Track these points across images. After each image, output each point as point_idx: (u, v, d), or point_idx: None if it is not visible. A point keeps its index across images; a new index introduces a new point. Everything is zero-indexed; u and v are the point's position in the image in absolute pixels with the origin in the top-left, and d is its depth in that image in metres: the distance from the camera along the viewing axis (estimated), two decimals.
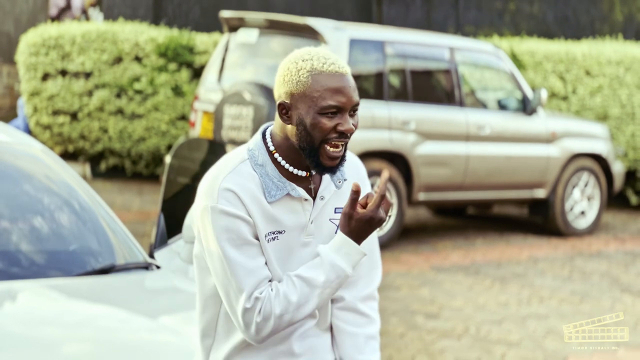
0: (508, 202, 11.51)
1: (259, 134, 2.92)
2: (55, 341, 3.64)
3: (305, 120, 2.80)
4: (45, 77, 13.05)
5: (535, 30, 15.08)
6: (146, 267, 4.33)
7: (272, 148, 2.88)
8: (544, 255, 10.18)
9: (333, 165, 2.84)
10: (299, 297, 2.82)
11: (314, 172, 2.91)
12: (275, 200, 2.85)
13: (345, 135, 2.82)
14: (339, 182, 2.95)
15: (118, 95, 12.94)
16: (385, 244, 10.01)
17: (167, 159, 4.52)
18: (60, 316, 3.88)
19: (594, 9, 15.21)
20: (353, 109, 2.84)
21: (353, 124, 2.83)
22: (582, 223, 11.26)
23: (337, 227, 2.94)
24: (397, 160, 10.15)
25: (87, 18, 15.36)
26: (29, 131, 13.21)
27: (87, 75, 12.96)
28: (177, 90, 12.85)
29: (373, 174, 9.92)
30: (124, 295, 4.18)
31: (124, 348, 3.70)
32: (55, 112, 13.04)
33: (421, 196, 10.27)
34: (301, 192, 2.88)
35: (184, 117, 12.87)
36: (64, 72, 13.00)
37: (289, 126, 2.84)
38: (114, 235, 4.45)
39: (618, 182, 11.60)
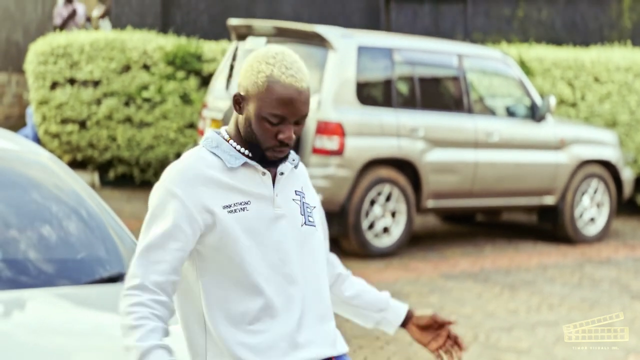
0: (517, 209, 11.49)
1: (209, 131, 3.08)
2: (67, 350, 3.63)
3: (252, 119, 2.96)
4: (54, 85, 13.08)
5: (543, 36, 15.06)
6: None
7: (226, 137, 3.03)
8: (554, 262, 10.16)
9: (277, 160, 3.00)
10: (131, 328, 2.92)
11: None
12: (235, 168, 2.97)
13: (285, 144, 2.95)
14: (294, 160, 3.09)
15: (126, 104, 12.95)
16: (394, 252, 9.99)
17: None
18: (70, 325, 3.87)
19: (602, 15, 15.19)
20: (299, 121, 2.97)
21: (295, 132, 2.97)
22: (592, 230, 11.23)
23: (301, 208, 3.06)
24: (406, 167, 10.13)
25: (95, 27, 15.37)
26: (37, 140, 13.24)
27: (96, 83, 12.98)
28: (186, 98, 12.86)
29: (381, 181, 9.91)
30: None
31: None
32: (64, 121, 13.06)
33: (430, 203, 10.25)
34: (256, 163, 3.00)
35: (192, 125, 12.88)
36: (72, 81, 13.02)
37: (240, 117, 3.00)
38: (122, 243, 4.45)
39: (627, 189, 11.57)
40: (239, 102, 2.98)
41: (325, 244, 3.22)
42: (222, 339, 2.94)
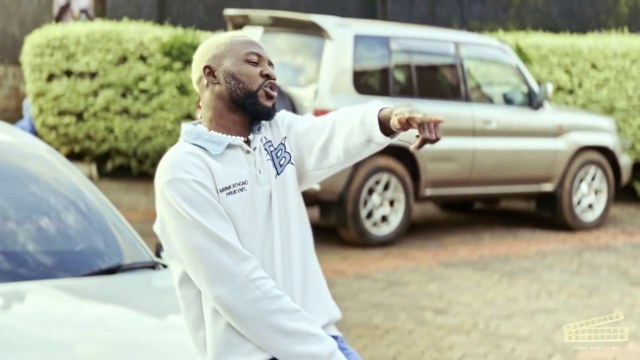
0: (515, 197, 11.49)
1: (185, 125, 3.12)
2: (68, 342, 3.63)
3: (233, 70, 3.05)
4: (51, 77, 13.06)
5: (540, 24, 15.05)
6: (153, 266, 4.32)
7: (204, 128, 3.07)
8: (552, 249, 10.16)
9: (270, 106, 3.06)
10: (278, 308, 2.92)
11: (251, 138, 3.08)
12: (220, 153, 3.00)
13: (271, 79, 3.06)
14: (258, 128, 3.12)
15: (123, 95, 12.94)
16: (392, 240, 9.99)
17: None
18: (71, 317, 3.88)
19: (599, 2, 15.18)
20: (270, 64, 3.11)
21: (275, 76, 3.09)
22: (590, 216, 11.23)
23: (274, 163, 3.09)
24: (404, 156, 10.13)
25: (89, 17, 15.31)
26: (35, 132, 13.22)
27: (92, 75, 12.96)
28: (183, 89, 12.85)
29: (379, 170, 9.91)
30: (131, 295, 4.17)
31: (136, 348, 3.70)
32: (61, 113, 13.04)
33: (428, 192, 10.25)
34: (239, 140, 3.04)
35: (189, 116, 12.86)
36: (69, 73, 13.00)
37: (217, 86, 3.06)
38: (120, 234, 4.45)
39: (625, 175, 11.57)
40: (209, 73, 3.08)
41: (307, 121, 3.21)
42: (216, 325, 2.98)
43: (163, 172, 2.97)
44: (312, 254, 3.14)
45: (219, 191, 2.96)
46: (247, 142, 3.08)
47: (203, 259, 2.91)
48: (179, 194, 2.92)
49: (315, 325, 2.96)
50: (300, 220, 3.12)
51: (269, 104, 3.05)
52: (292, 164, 3.13)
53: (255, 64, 3.07)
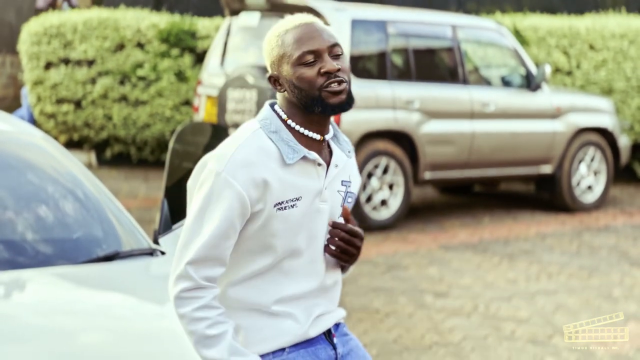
0: (514, 179, 11.49)
1: (267, 107, 2.97)
2: (71, 330, 3.64)
3: (292, 79, 2.87)
4: (48, 65, 13.04)
5: (537, 5, 15.02)
6: (151, 253, 4.32)
7: (284, 116, 2.94)
8: (552, 231, 10.16)
9: (342, 101, 2.89)
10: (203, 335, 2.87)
11: (327, 138, 2.97)
12: (294, 163, 2.88)
13: (334, 75, 2.86)
14: (349, 152, 3.03)
15: (121, 82, 12.93)
16: (392, 224, 10.00)
17: (171, 144, 4.50)
18: (71, 305, 3.88)
19: None
20: (333, 52, 2.90)
21: (339, 65, 2.88)
22: (589, 198, 11.23)
23: (343, 198, 3.01)
24: (402, 139, 10.12)
25: (72, 6, 15.21)
26: (33, 121, 13.21)
27: (90, 62, 12.94)
28: (181, 76, 12.83)
29: (378, 153, 9.90)
30: (130, 282, 4.17)
31: (138, 336, 3.71)
32: (59, 101, 13.03)
33: (427, 175, 10.25)
34: (316, 156, 2.92)
35: (187, 103, 12.85)
36: (66, 61, 12.99)
37: (285, 93, 2.91)
38: (117, 222, 4.45)
39: (624, 156, 11.57)
40: (275, 81, 2.92)
41: None
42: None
43: (221, 156, 2.87)
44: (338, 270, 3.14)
45: (272, 205, 2.88)
46: (323, 140, 2.96)
47: (185, 240, 2.90)
48: (216, 192, 2.85)
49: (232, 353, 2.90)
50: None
51: (337, 100, 2.88)
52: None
53: (312, 63, 2.87)
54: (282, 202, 2.88)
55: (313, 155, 2.91)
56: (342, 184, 3.01)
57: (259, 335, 2.97)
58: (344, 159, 3.01)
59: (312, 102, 2.87)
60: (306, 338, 3.01)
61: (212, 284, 2.89)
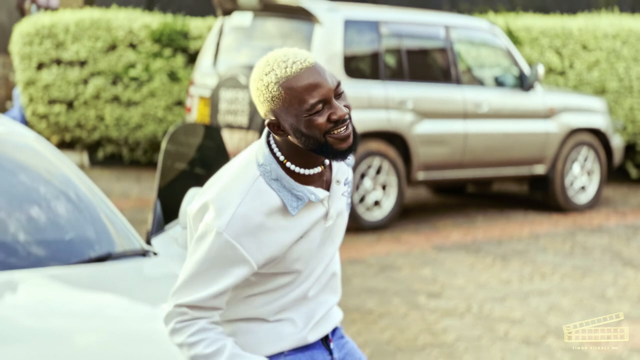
0: (508, 179, 11.49)
1: (265, 149, 2.85)
2: (65, 332, 3.63)
3: (299, 127, 2.74)
4: (40, 66, 13.01)
5: (530, 5, 15.03)
6: (143, 254, 4.31)
7: (282, 158, 2.83)
8: (545, 231, 10.16)
9: (348, 146, 2.79)
10: None
11: (327, 162, 2.89)
12: (299, 210, 2.82)
13: (339, 121, 2.76)
14: (348, 164, 2.98)
15: (113, 83, 12.90)
16: (385, 225, 9.98)
17: (163, 144, 4.48)
18: (65, 306, 3.87)
19: None
20: (337, 92, 2.77)
21: (345, 105, 2.77)
22: (583, 198, 11.23)
23: (347, 201, 2.98)
24: (395, 140, 10.11)
25: (44, 8, 15.13)
26: (25, 121, 13.18)
27: (82, 63, 12.91)
28: (173, 76, 12.81)
29: (371, 154, 9.89)
30: (123, 283, 4.16)
31: (132, 337, 3.70)
32: (51, 102, 13.00)
33: (420, 175, 10.24)
34: (320, 194, 2.85)
35: (180, 103, 12.83)
36: (58, 61, 12.96)
37: (288, 137, 2.80)
38: (110, 223, 4.43)
39: (617, 156, 11.57)
40: (275, 127, 2.79)
41: None
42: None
43: (222, 210, 2.77)
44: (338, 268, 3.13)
45: (281, 251, 2.85)
46: (324, 168, 2.88)
47: (184, 284, 2.86)
48: (219, 252, 2.78)
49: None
50: (337, 254, 3.11)
51: (345, 146, 2.77)
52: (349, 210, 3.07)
53: (322, 110, 2.74)
54: (290, 244, 2.85)
55: (317, 197, 2.84)
56: (344, 185, 2.96)
57: (257, 339, 2.96)
58: (344, 169, 2.96)
59: (319, 148, 2.77)
60: (305, 343, 3.00)
61: (207, 315, 2.86)
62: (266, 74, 2.75)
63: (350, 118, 2.80)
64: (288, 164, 2.82)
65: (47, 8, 15.01)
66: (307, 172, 2.84)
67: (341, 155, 2.79)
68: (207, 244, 2.78)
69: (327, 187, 2.91)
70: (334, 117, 2.74)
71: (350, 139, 2.78)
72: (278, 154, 2.83)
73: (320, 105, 2.73)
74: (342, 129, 2.76)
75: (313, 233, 2.89)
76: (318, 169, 2.85)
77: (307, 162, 2.83)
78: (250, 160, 2.85)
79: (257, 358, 2.87)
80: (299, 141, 2.77)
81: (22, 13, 15.11)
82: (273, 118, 2.77)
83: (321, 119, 2.73)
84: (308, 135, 2.74)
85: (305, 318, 2.99)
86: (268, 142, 2.86)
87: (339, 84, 2.77)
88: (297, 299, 2.97)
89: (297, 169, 2.82)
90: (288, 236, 2.83)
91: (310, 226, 2.87)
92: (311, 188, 2.84)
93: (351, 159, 2.99)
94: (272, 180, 2.80)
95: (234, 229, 2.75)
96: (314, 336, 3.01)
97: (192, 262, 2.82)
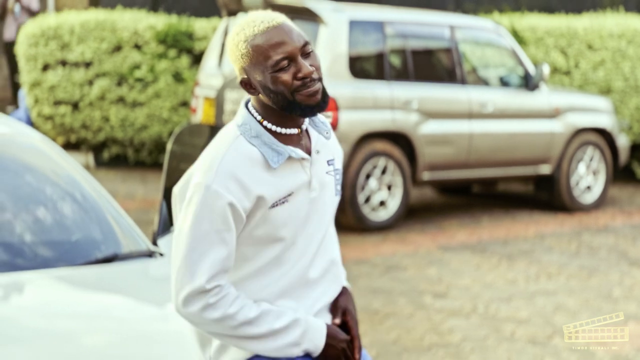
0: (513, 179, 11.48)
1: (243, 109, 2.97)
2: (72, 333, 3.64)
3: (267, 84, 2.86)
4: (46, 67, 13.02)
5: (535, 5, 15.01)
6: (149, 254, 4.31)
7: (259, 118, 2.94)
8: (551, 231, 10.15)
9: (317, 101, 2.89)
10: (251, 319, 2.89)
11: (304, 128, 2.98)
12: (280, 165, 2.89)
13: (306, 78, 2.86)
14: (327, 132, 3.04)
15: (119, 84, 12.91)
16: (391, 225, 9.98)
17: (169, 145, 4.49)
18: (72, 307, 3.88)
19: None
20: (305, 51, 2.88)
21: (312, 65, 2.88)
22: (588, 198, 11.22)
23: (335, 179, 3.04)
24: (401, 140, 10.11)
25: (26, 10, 15.02)
26: (30, 122, 13.19)
27: (87, 64, 12.92)
28: (178, 77, 12.81)
29: (376, 154, 9.89)
30: (130, 284, 4.16)
31: (139, 338, 3.71)
32: (57, 103, 13.01)
33: (426, 175, 10.23)
34: (300, 152, 2.94)
35: (185, 104, 12.84)
36: (64, 62, 12.96)
37: (260, 96, 2.91)
38: (116, 223, 4.43)
39: (623, 156, 11.55)
40: (247, 85, 2.91)
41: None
42: None
43: (207, 168, 2.86)
44: (337, 248, 3.15)
45: (267, 206, 2.89)
46: (300, 132, 2.97)
47: (183, 261, 2.87)
48: (208, 205, 2.83)
49: (282, 316, 2.92)
50: (333, 238, 3.13)
51: (313, 101, 2.88)
52: (340, 193, 3.11)
53: (287, 67, 2.86)
54: (276, 202, 2.90)
55: (297, 153, 2.93)
56: (328, 164, 3.04)
57: None
58: (323, 141, 3.03)
59: (288, 105, 2.87)
60: None
61: (223, 281, 2.90)
62: (237, 34, 2.89)
63: (320, 78, 2.90)
64: (265, 123, 2.93)
65: (29, 11, 14.92)
66: (284, 130, 2.93)
67: (310, 110, 2.89)
68: (197, 202, 2.84)
69: (308, 154, 2.99)
70: (300, 74, 2.85)
71: (319, 96, 2.88)
72: (255, 114, 2.94)
73: (285, 62, 2.84)
74: (310, 87, 2.86)
75: (297, 199, 2.94)
76: (295, 130, 2.95)
77: (283, 122, 2.93)
78: (230, 125, 2.98)
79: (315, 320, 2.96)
80: (269, 99, 2.89)
81: (3, 12, 15.05)
82: (245, 76, 2.90)
83: (286, 76, 2.84)
84: (276, 92, 2.86)
85: (308, 308, 3.01)
86: (246, 104, 2.98)
87: (306, 43, 2.88)
88: (296, 282, 2.99)
89: (273, 127, 2.92)
90: (272, 191, 2.89)
91: (294, 189, 2.93)
92: (290, 147, 2.93)
93: (330, 132, 3.06)
94: (252, 137, 2.90)
95: (219, 180, 2.83)
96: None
97: (187, 232, 2.86)
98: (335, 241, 3.14)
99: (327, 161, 3.03)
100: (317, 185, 2.98)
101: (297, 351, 2.93)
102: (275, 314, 2.92)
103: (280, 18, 2.89)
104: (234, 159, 2.86)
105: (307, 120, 3.01)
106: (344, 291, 3.12)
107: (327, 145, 3.05)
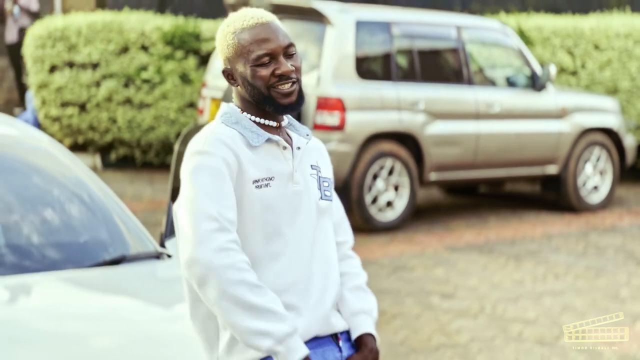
0: (520, 180, 11.47)
1: (224, 105, 3.09)
2: (81, 335, 3.64)
3: (246, 76, 2.99)
4: (53, 69, 13.04)
5: (542, 5, 15.00)
6: (157, 256, 4.31)
7: (239, 109, 3.06)
8: (558, 231, 10.15)
9: (291, 102, 3.01)
10: (247, 289, 2.86)
11: (283, 124, 3.09)
12: (259, 145, 2.99)
13: (286, 77, 2.98)
14: (307, 134, 3.13)
15: (126, 85, 12.92)
16: (398, 225, 9.98)
17: (176, 146, 4.49)
18: (80, 309, 3.88)
19: None
20: (288, 52, 3.01)
21: (293, 65, 3.00)
22: (595, 198, 11.21)
23: (318, 183, 3.10)
24: (407, 140, 10.11)
25: (25, 12, 15.01)
26: (38, 124, 13.21)
27: (94, 66, 12.94)
28: (185, 78, 12.83)
29: (383, 155, 9.89)
30: (137, 285, 4.17)
31: (147, 339, 3.71)
32: (64, 104, 13.03)
33: (433, 176, 10.23)
34: (279, 137, 3.04)
35: (192, 105, 12.85)
36: (71, 64, 12.98)
37: (239, 87, 3.03)
38: (124, 225, 4.44)
39: (630, 156, 11.54)
40: (229, 75, 3.04)
41: (339, 210, 3.26)
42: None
43: (194, 144, 2.97)
44: (335, 264, 3.14)
45: (250, 181, 2.95)
46: (279, 127, 3.07)
47: (190, 220, 2.89)
48: (204, 163, 2.91)
49: (279, 305, 2.90)
50: (331, 231, 3.14)
51: (287, 101, 3.00)
52: (330, 200, 3.14)
53: (268, 63, 2.98)
54: (258, 180, 2.96)
55: (277, 137, 3.03)
56: (312, 168, 3.10)
57: None
58: (304, 142, 3.10)
59: (263, 100, 3.00)
60: (309, 336, 3.02)
61: (233, 241, 2.89)
62: (227, 26, 3.03)
63: (298, 80, 3.01)
64: (244, 114, 3.05)
65: (28, 12, 14.93)
66: (263, 121, 3.04)
67: (282, 109, 3.01)
68: (193, 164, 2.93)
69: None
70: (278, 71, 2.98)
71: (294, 97, 3.01)
72: (238, 104, 3.08)
73: (266, 58, 2.97)
74: (286, 85, 2.99)
75: (280, 185, 2.99)
76: (273, 123, 3.06)
77: (262, 114, 3.05)
78: (210, 122, 3.11)
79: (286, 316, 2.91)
80: (246, 91, 3.02)
81: (2, 15, 15.07)
82: (228, 67, 3.03)
83: (265, 72, 2.98)
84: (253, 86, 2.99)
85: (309, 306, 3.01)
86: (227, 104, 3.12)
87: (290, 45, 3.01)
88: (293, 279, 2.99)
89: (253, 117, 3.05)
90: (253, 167, 2.96)
91: (275, 174, 2.99)
92: (270, 133, 3.04)
93: (309, 134, 3.14)
94: (232, 123, 3.02)
95: (210, 144, 2.94)
96: (317, 327, 3.03)
97: (189, 189, 2.91)
98: (334, 249, 3.14)
99: (311, 165, 3.11)
100: (300, 179, 3.04)
101: (267, 344, 2.86)
102: (274, 297, 2.90)
103: (269, 17, 3.02)
104: (221, 134, 2.98)
105: (286, 119, 3.11)
106: (365, 341, 3.14)
107: (311, 150, 3.14)
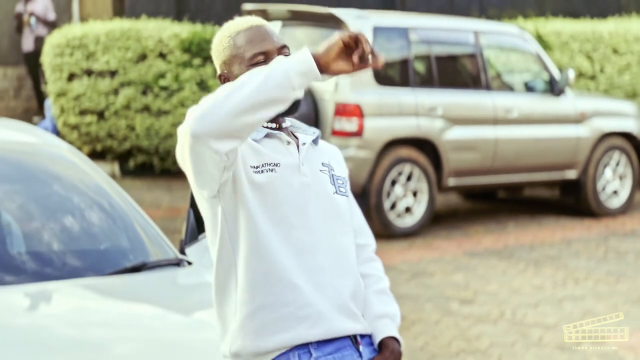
0: (539, 185, 11.44)
1: None
2: (102, 341, 3.65)
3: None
4: (71, 77, 13.08)
5: (560, 10, 14.98)
6: (177, 263, 4.32)
7: None
8: (578, 236, 10.11)
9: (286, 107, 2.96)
10: (234, 84, 2.81)
11: (284, 126, 3.07)
12: (261, 140, 2.99)
13: None
14: (313, 132, 3.11)
15: (144, 93, 12.95)
16: (417, 231, 9.97)
17: None
18: (101, 316, 3.89)
19: None
20: (282, 53, 3.01)
21: None
22: (615, 202, 11.17)
23: (331, 180, 3.07)
24: (426, 146, 10.10)
25: (42, 22, 15.08)
26: (56, 132, 13.25)
27: (112, 73, 12.97)
28: (203, 85, 12.85)
29: (401, 161, 9.88)
30: (158, 292, 4.17)
31: (168, 346, 3.71)
32: (82, 112, 13.07)
33: (451, 182, 10.22)
34: (279, 132, 3.04)
35: None
36: (89, 72, 13.02)
37: None
38: (144, 232, 4.45)
39: None
40: (226, 80, 3.04)
41: (358, 214, 3.22)
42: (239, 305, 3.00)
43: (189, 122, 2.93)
44: (353, 259, 3.10)
45: (249, 166, 2.93)
46: (279, 127, 3.05)
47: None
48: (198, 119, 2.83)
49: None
50: (349, 226, 3.11)
51: None
52: (346, 196, 3.11)
53: (262, 63, 2.97)
54: (259, 167, 2.94)
55: (277, 132, 3.03)
56: (322, 165, 3.09)
57: (280, 317, 2.96)
58: (309, 138, 3.09)
59: None
60: (327, 335, 2.99)
61: None
62: (222, 31, 3.09)
63: None
64: None
65: (45, 22, 15.01)
66: (266, 123, 3.02)
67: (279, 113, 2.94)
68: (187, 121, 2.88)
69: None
70: None
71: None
72: None
73: (261, 57, 2.99)
74: None
75: (286, 173, 2.97)
76: (272, 124, 3.05)
77: None
78: None
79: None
80: None
81: (20, 25, 15.15)
82: (225, 71, 3.06)
83: None
84: None
85: (325, 297, 2.98)
86: None
87: (284, 46, 3.03)
88: (305, 268, 2.96)
89: None
90: (252, 155, 2.94)
91: (279, 160, 2.96)
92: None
93: (316, 132, 3.12)
94: None
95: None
96: (333, 325, 2.99)
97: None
98: (352, 245, 3.11)
99: (322, 163, 3.10)
100: (308, 172, 3.02)
101: (299, 57, 2.77)
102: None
103: (262, 21, 3.06)
104: None
105: (287, 121, 3.10)
106: (386, 343, 3.16)
107: (322, 149, 3.13)
